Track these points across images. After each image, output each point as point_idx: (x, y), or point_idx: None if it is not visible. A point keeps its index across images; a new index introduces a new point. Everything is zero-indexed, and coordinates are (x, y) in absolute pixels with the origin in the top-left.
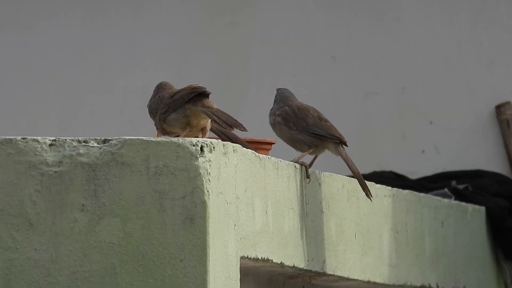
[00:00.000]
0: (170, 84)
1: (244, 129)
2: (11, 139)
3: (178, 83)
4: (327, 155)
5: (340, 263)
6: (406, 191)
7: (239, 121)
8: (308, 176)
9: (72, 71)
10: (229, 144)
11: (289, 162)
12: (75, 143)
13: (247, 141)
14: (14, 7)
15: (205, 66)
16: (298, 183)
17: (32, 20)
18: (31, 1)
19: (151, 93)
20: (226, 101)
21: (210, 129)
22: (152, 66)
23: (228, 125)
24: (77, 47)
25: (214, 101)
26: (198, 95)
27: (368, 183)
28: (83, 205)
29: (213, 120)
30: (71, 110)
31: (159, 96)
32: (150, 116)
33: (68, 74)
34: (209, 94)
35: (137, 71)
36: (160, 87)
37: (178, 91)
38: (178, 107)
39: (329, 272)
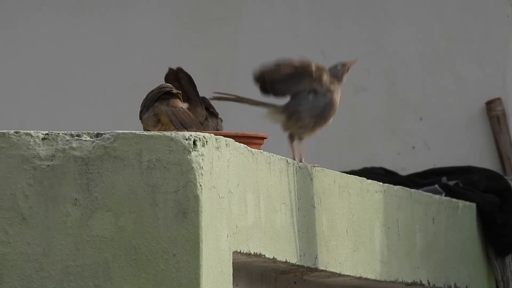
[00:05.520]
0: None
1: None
2: (3, 133)
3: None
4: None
5: (332, 259)
6: (397, 187)
7: (196, 122)
8: None
9: (62, 65)
10: (221, 138)
11: (281, 157)
12: (68, 137)
13: (239, 136)
14: (4, 0)
15: (194, 60)
16: (290, 177)
17: (21, 13)
18: None
19: (140, 87)
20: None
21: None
22: (141, 61)
23: (182, 124)
24: (66, 41)
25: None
26: (168, 94)
27: (359, 178)
28: (75, 199)
29: (170, 120)
30: (62, 104)
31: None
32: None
33: (58, 69)
34: (176, 93)
35: (126, 65)
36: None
37: (152, 91)
38: (150, 106)
39: (321, 267)
